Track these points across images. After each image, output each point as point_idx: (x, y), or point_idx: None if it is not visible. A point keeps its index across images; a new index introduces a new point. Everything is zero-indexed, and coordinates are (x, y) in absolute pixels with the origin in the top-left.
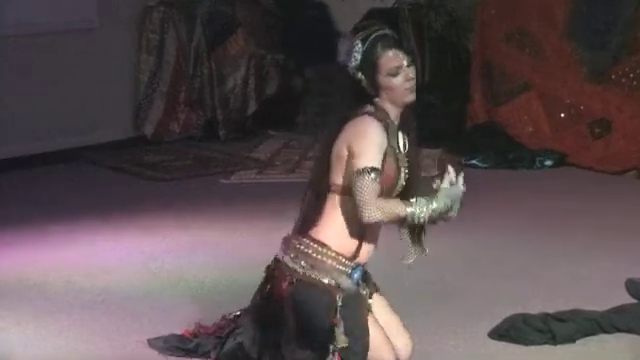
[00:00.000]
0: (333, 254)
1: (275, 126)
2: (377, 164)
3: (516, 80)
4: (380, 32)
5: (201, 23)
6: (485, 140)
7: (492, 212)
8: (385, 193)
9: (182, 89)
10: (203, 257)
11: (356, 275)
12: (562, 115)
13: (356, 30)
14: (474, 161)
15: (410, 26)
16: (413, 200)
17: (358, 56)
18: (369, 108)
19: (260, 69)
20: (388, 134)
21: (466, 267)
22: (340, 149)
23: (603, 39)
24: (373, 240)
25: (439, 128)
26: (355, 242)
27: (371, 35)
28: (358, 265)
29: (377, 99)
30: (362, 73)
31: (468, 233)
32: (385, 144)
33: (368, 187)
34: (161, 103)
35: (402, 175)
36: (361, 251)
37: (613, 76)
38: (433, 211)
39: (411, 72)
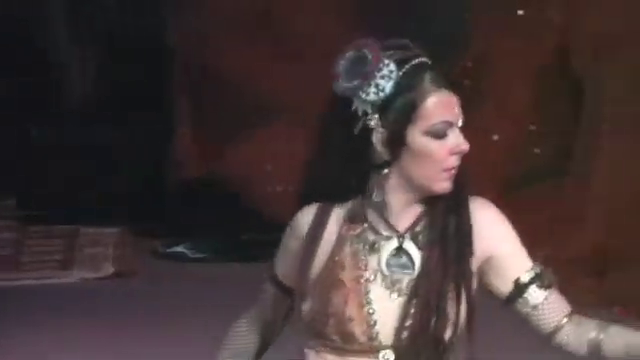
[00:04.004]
0: None
1: None
2: (275, 268)
3: (254, 99)
4: (423, 59)
5: None
6: (201, 209)
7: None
8: (341, 337)
9: None
10: None
11: None
12: None
13: (371, 46)
14: (180, 248)
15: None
16: None
17: (388, 87)
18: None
19: None
20: (350, 234)
21: None
22: None
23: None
24: None
25: (118, 188)
26: None
27: (412, 59)
28: None
29: (384, 170)
30: (382, 119)
31: None
32: (304, 239)
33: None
34: None
35: (378, 311)
36: None
37: None
38: None
39: (463, 141)
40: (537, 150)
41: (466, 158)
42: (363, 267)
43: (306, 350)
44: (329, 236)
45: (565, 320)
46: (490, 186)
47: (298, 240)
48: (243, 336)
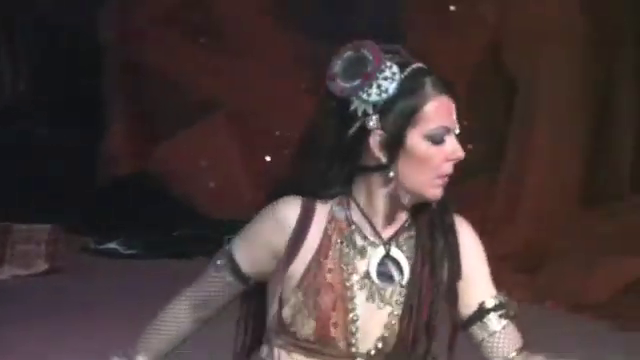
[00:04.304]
0: None
1: None
2: (235, 255)
3: (186, 96)
4: (422, 65)
5: None
6: (132, 206)
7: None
8: (320, 340)
9: None
10: None
11: None
12: (268, 158)
13: (370, 47)
14: (113, 244)
15: None
16: None
17: (391, 88)
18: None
19: None
20: (338, 236)
21: None
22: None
23: (336, 21)
24: None
25: (52, 185)
26: None
27: (412, 63)
28: None
29: (390, 173)
30: (382, 120)
31: None
32: (290, 236)
33: (206, 269)
34: None
35: (361, 318)
36: None
37: None
38: None
39: (459, 148)
40: (470, 146)
41: None
42: (350, 271)
43: (274, 348)
44: (315, 233)
45: (514, 354)
46: None
47: (282, 235)
48: (180, 321)
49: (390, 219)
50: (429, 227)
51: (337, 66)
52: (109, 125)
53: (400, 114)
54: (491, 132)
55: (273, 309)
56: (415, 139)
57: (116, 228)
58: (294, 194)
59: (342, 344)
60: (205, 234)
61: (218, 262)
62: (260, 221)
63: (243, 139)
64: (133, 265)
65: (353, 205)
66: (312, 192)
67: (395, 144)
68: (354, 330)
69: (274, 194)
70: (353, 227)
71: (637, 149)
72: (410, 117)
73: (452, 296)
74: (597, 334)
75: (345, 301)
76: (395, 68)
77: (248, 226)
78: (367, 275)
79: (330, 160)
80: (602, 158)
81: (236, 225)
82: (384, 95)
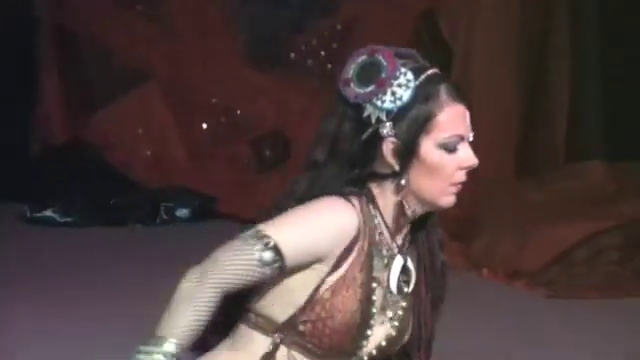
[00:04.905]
0: None
1: None
2: (286, 253)
3: (121, 63)
4: (437, 71)
5: None
6: (66, 174)
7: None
8: (331, 347)
9: None
10: None
11: None
12: (205, 126)
13: (384, 52)
14: (48, 212)
15: None
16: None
17: (405, 95)
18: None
19: None
20: (368, 245)
21: None
22: None
23: None
24: None
25: None
26: None
27: (427, 69)
28: None
29: (402, 181)
30: (395, 127)
31: None
32: (345, 246)
33: (237, 257)
34: None
35: (373, 330)
36: None
37: (293, 54)
38: None
39: (473, 156)
40: None
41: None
42: (376, 285)
43: (269, 338)
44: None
45: None
46: None
47: (339, 245)
48: (212, 311)
49: (400, 228)
50: (427, 241)
51: (351, 71)
52: (43, 93)
53: (414, 122)
54: None
55: (278, 300)
56: (428, 147)
57: (52, 196)
58: (311, 195)
59: (349, 353)
60: (141, 202)
61: (264, 257)
62: (322, 228)
63: (179, 107)
64: (69, 233)
65: (376, 212)
66: (336, 194)
67: (408, 152)
68: (365, 344)
69: (287, 195)
70: (381, 236)
71: (571, 118)
72: (423, 125)
73: (437, 319)
74: (533, 301)
75: (368, 317)
76: (410, 75)
77: (300, 223)
78: (388, 288)
79: (341, 164)
80: (537, 128)
81: (172, 193)
82: (398, 103)
